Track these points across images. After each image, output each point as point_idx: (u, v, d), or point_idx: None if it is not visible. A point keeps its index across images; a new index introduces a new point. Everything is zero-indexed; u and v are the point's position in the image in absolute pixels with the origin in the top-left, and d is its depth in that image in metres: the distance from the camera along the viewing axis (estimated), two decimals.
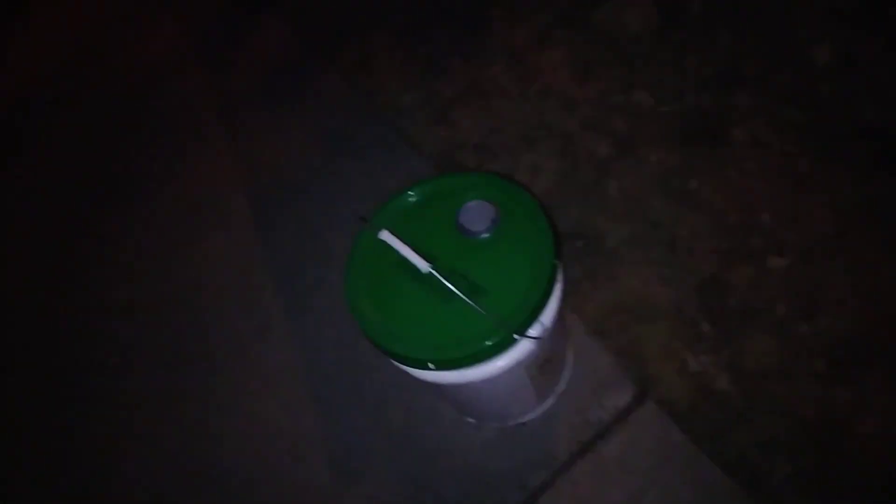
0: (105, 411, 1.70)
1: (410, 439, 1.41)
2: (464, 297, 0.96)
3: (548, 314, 1.06)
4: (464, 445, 1.36)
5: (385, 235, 1.01)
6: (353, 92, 2.05)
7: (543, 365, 1.19)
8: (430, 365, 0.99)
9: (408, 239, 1.05)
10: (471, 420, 1.38)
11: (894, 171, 1.43)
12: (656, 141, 1.65)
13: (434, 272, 0.98)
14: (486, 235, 1.06)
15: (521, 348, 1.04)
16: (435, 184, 1.15)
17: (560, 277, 1.09)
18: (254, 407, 1.57)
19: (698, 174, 1.58)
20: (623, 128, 1.71)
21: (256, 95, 2.20)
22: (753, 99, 1.63)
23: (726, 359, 1.35)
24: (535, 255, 1.03)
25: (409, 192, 1.13)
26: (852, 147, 1.49)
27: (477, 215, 1.07)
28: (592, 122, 1.74)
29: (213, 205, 1.98)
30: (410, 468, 1.38)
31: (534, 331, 1.02)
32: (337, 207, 1.82)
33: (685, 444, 1.27)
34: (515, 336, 0.99)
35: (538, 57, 1.91)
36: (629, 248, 1.53)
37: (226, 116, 2.19)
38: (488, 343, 0.97)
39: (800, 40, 1.64)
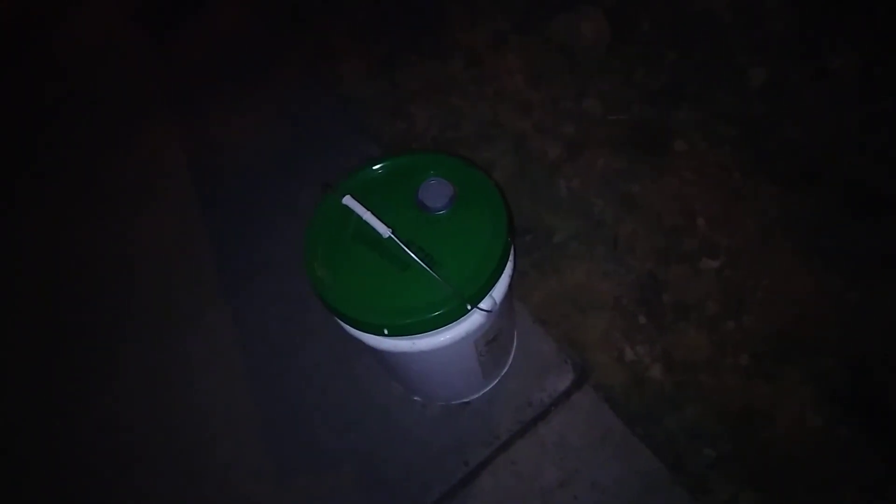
0: (36, 381, 1.64)
1: (356, 416, 1.42)
2: (421, 263, 1.00)
3: (499, 289, 1.11)
4: (409, 423, 1.39)
5: (348, 200, 1.03)
6: (312, 79, 2.06)
7: (491, 343, 1.23)
8: (385, 331, 1.02)
9: (369, 209, 1.09)
10: (417, 398, 1.41)
11: (813, 186, 1.56)
12: (604, 146, 1.74)
13: (394, 237, 1.01)
14: (443, 212, 1.10)
15: (472, 320, 1.08)
16: (398, 161, 1.19)
17: (512, 256, 1.14)
18: (194, 382, 1.55)
19: (641, 179, 1.67)
20: (573, 132, 1.79)
21: (210, 75, 2.18)
22: (694, 113, 1.74)
23: (660, 350, 1.43)
24: (489, 232, 1.07)
25: (374, 166, 1.16)
26: (779, 162, 1.62)
27: (436, 192, 1.11)
28: (544, 125, 1.82)
29: (159, 182, 1.95)
30: (355, 444, 1.39)
31: (485, 304, 1.06)
32: (288, 191, 1.82)
33: (619, 428, 1.33)
34: (468, 306, 1.03)
35: (495, 60, 1.98)
36: (574, 243, 1.60)
37: (176, 96, 2.16)
38: (442, 311, 1.00)
39: (739, 63, 1.77)
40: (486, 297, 1.07)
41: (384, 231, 1.01)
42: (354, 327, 1.07)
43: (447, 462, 1.33)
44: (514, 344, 1.45)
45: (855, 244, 1.48)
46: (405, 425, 1.39)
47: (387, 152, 1.83)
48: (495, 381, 1.41)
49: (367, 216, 1.02)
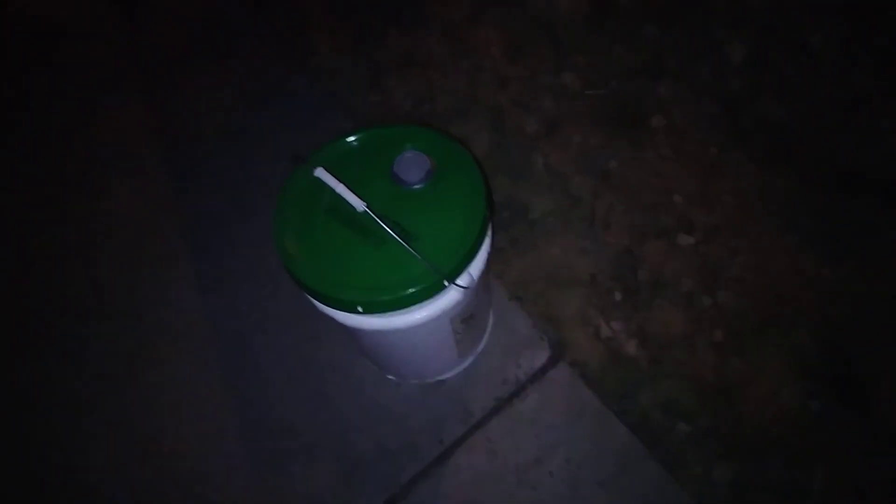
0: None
1: (329, 396, 1.40)
2: (397, 238, 0.97)
3: (476, 266, 1.08)
4: (383, 401, 1.37)
5: (320, 173, 1.00)
6: (285, 51, 2.00)
7: (467, 320, 1.22)
8: (359, 308, 0.99)
9: (342, 182, 1.05)
10: (391, 377, 1.39)
11: (791, 164, 1.56)
12: (582, 121, 1.72)
13: (369, 211, 0.98)
14: (419, 186, 1.07)
15: (449, 297, 1.06)
16: (372, 133, 1.15)
17: (489, 233, 1.11)
18: (161, 363, 1.51)
19: (618, 155, 1.66)
20: (551, 107, 1.77)
21: (180, 48, 2.10)
22: (672, 89, 1.73)
23: (635, 326, 1.43)
24: (467, 207, 1.05)
25: (348, 138, 1.13)
26: (757, 139, 1.62)
27: (412, 166, 1.08)
28: (522, 99, 1.79)
29: (125, 157, 1.87)
30: (327, 425, 1.37)
31: (463, 280, 1.04)
32: (260, 166, 1.77)
33: (594, 404, 1.33)
34: (445, 283, 1.01)
35: (472, 33, 1.94)
36: (551, 219, 1.58)
37: (145, 69, 2.08)
38: (418, 288, 0.98)
39: (718, 39, 1.75)
40: (464, 274, 1.05)
41: (359, 204, 0.98)
42: (327, 305, 1.04)
43: (422, 441, 1.32)
44: (490, 321, 1.43)
45: (830, 222, 1.49)
46: (379, 404, 1.37)
47: (361, 125, 1.78)
48: (471, 359, 1.39)
49: (341, 189, 0.98)
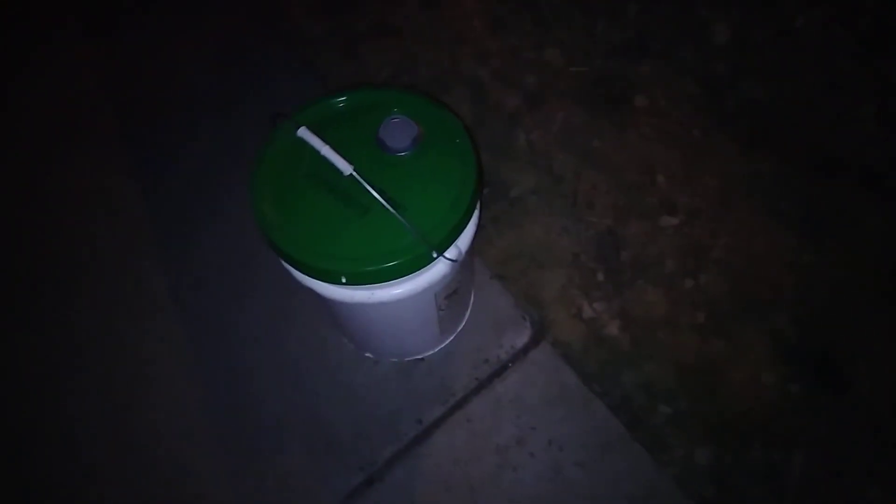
0: None
1: (304, 373, 1.34)
2: (386, 205, 0.91)
3: (464, 239, 1.04)
4: (360, 380, 1.31)
5: (304, 132, 0.93)
6: (255, 14, 1.90)
7: (451, 296, 1.17)
8: (342, 279, 0.94)
9: (327, 143, 0.99)
10: (368, 355, 1.34)
11: (773, 147, 1.56)
12: (564, 99, 1.68)
13: (356, 175, 0.92)
14: (405, 153, 1.01)
15: (436, 270, 1.01)
16: (357, 96, 1.09)
17: (478, 205, 1.07)
18: (124, 339, 1.42)
19: (601, 134, 1.62)
20: (533, 83, 1.72)
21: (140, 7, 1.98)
22: (655, 69, 1.70)
23: (618, 307, 1.40)
24: (456, 177, 1.00)
25: (332, 99, 1.06)
26: (739, 121, 1.60)
27: (398, 131, 1.02)
28: (503, 74, 1.74)
29: (79, 120, 1.76)
30: (300, 405, 1.31)
31: (450, 253, 0.99)
32: (230, 133, 1.68)
33: (576, 385, 1.30)
34: (434, 255, 0.96)
35: (452, 4, 1.88)
36: (533, 198, 1.55)
37: (97, 20, 1.94)
38: (405, 259, 0.93)
39: (701, 19, 1.73)
40: (452, 247, 1.00)
41: (345, 168, 0.92)
42: (308, 275, 0.98)
43: (400, 421, 1.27)
44: (472, 299, 1.39)
45: (811, 206, 1.48)
46: (355, 383, 1.32)
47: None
48: (451, 338, 1.35)
49: (326, 150, 0.92)
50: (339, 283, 0.95)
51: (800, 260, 1.43)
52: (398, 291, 1.00)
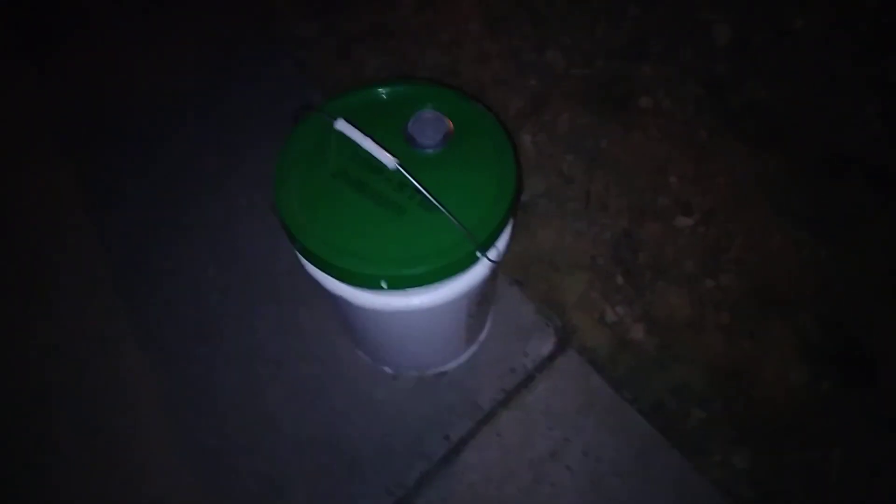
0: None
1: (319, 391, 1.25)
2: (435, 201, 0.84)
3: (503, 239, 0.98)
4: (380, 396, 1.23)
5: (342, 125, 0.86)
6: (245, 13, 1.82)
7: (481, 302, 1.11)
8: (383, 284, 0.87)
9: (352, 143, 0.92)
10: (387, 369, 1.26)
11: (780, 147, 1.55)
12: (568, 101, 1.65)
13: (402, 169, 0.85)
14: (436, 150, 0.95)
15: (475, 273, 0.95)
16: (384, 90, 1.02)
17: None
18: (119, 369, 1.31)
19: (608, 135, 1.59)
20: (535, 85, 1.68)
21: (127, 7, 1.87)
22: (658, 70, 1.69)
23: (640, 310, 1.36)
24: (494, 173, 0.94)
25: (357, 93, 1.00)
26: (745, 121, 1.60)
27: (428, 127, 0.96)
28: (504, 76, 1.70)
29: (44, 128, 1.63)
30: (321, 423, 1.22)
31: (492, 253, 0.93)
32: (217, 142, 1.59)
33: (606, 392, 1.25)
34: (478, 254, 0.90)
35: (449, 6, 1.83)
36: (544, 201, 1.50)
37: (73, 20, 1.83)
38: (451, 259, 0.87)
39: (702, 20, 1.73)
40: (492, 247, 0.94)
41: (390, 162, 0.85)
42: (344, 281, 0.90)
43: (426, 438, 1.19)
44: (492, 308, 1.33)
45: (822, 204, 1.48)
46: (375, 399, 1.23)
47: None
48: (474, 348, 1.28)
49: (368, 143, 0.85)
50: (378, 289, 0.87)
51: (816, 257, 1.42)
52: (437, 296, 0.93)
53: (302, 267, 0.97)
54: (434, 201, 0.84)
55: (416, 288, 0.90)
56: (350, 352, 1.28)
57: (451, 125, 0.97)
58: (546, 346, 1.29)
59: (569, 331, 1.32)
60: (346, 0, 1.83)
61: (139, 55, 1.75)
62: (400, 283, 0.88)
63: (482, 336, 1.29)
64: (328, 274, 0.90)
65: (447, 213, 0.84)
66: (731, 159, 1.55)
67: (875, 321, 1.35)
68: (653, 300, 1.38)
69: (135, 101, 1.67)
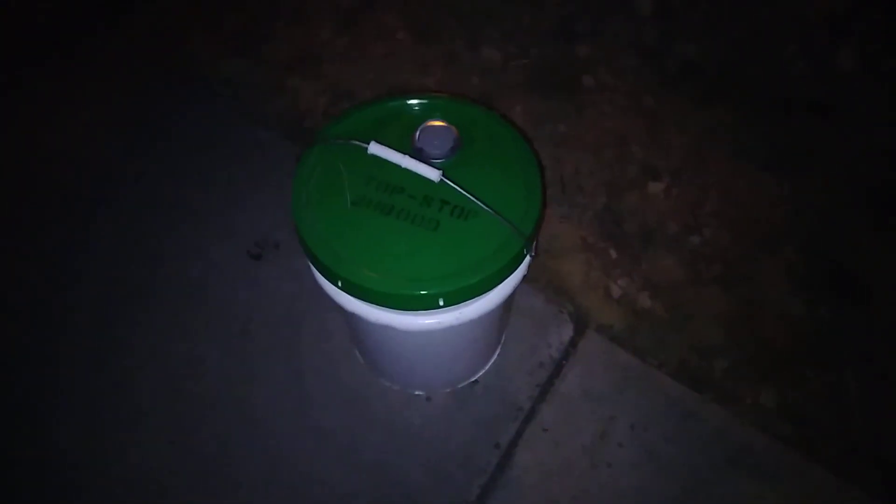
0: None
1: (357, 431, 1.19)
2: (483, 205, 0.82)
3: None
4: (419, 421, 1.19)
5: (376, 148, 0.82)
6: (163, 59, 1.71)
7: (510, 304, 1.09)
8: (440, 302, 0.84)
9: (361, 167, 0.89)
10: (419, 392, 1.22)
11: (724, 98, 1.64)
12: (516, 92, 1.67)
13: (446, 180, 0.82)
14: (447, 159, 0.93)
15: (518, 272, 0.94)
16: (380, 107, 0.99)
17: None
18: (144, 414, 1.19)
19: (564, 118, 1.62)
20: (479, 83, 1.69)
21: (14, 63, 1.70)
22: (592, 48, 1.74)
23: (640, 279, 1.40)
24: (517, 171, 0.93)
25: (353, 115, 0.96)
26: (684, 81, 1.67)
27: (437, 138, 0.93)
28: (448, 80, 1.70)
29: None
30: (366, 462, 1.16)
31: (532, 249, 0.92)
32: (165, 199, 1.48)
33: (634, 363, 1.27)
34: (525, 252, 0.88)
35: (370, 20, 1.81)
36: None
37: None
38: (504, 262, 0.85)
39: None
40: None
41: (434, 175, 0.82)
42: (397, 308, 0.86)
43: (476, 451, 1.17)
44: None
45: (774, 142, 1.57)
46: (414, 425, 1.19)
47: (278, 136, 1.57)
48: (498, 351, 1.26)
49: (407, 162, 0.81)
50: (435, 307, 0.84)
51: (782, 193, 1.51)
52: (487, 303, 0.91)
53: (334, 305, 0.92)
54: (482, 204, 0.82)
55: (473, 298, 0.88)
56: (376, 387, 1.23)
57: (458, 132, 0.95)
58: (566, 333, 1.29)
59: (582, 313, 1.33)
60: (264, 33, 1.76)
61: (55, 125, 1.61)
62: (457, 298, 0.85)
63: (503, 337, 1.28)
64: (376, 304, 0.86)
65: (495, 214, 0.83)
66: (681, 119, 1.62)
67: (851, 240, 1.45)
68: (649, 267, 1.41)
69: (61, 174, 1.53)
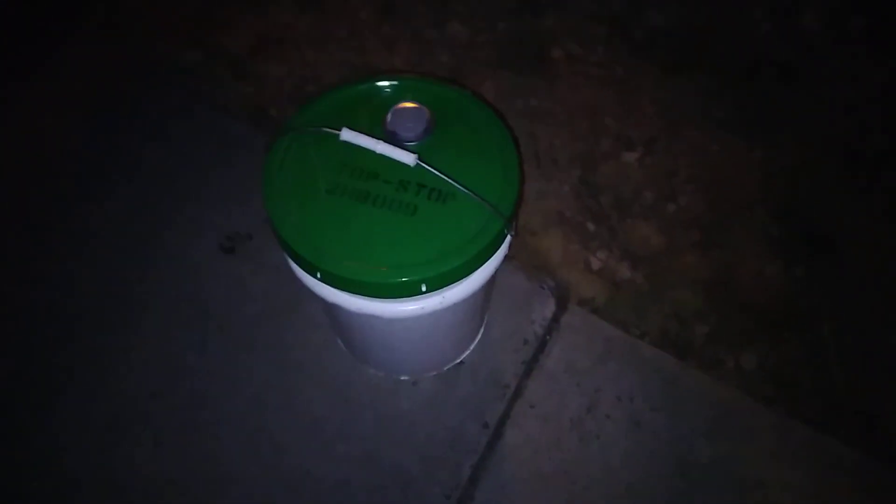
0: None
1: (342, 423, 1.18)
2: (461, 188, 0.81)
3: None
4: (407, 406, 1.19)
5: (348, 135, 0.80)
6: (117, 57, 1.65)
7: (492, 284, 1.09)
8: (423, 287, 0.82)
9: (333, 154, 0.87)
10: (404, 377, 1.21)
11: (694, 65, 1.63)
12: (485, 68, 1.64)
13: (422, 163, 0.80)
14: (421, 141, 0.91)
15: (500, 252, 0.93)
16: (347, 91, 0.96)
17: None
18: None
19: (534, 92, 1.61)
20: (448, 61, 1.66)
21: None
22: (559, 20, 1.71)
23: (619, 250, 1.40)
24: (493, 149, 0.91)
25: (322, 100, 0.93)
26: (652, 49, 1.66)
27: (409, 119, 0.91)
28: (416, 58, 1.67)
29: None
30: (356, 453, 1.15)
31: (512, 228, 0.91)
32: (131, 204, 1.44)
33: (617, 335, 1.28)
34: (506, 231, 0.87)
35: (333, 1, 1.76)
36: None
37: None
38: (486, 242, 0.83)
39: None
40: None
41: (410, 159, 0.80)
42: (378, 296, 0.85)
43: (465, 432, 1.16)
44: None
45: (744, 107, 1.58)
46: (402, 411, 1.19)
47: (247, 124, 1.53)
48: (482, 331, 1.26)
49: (382, 147, 0.79)
50: (418, 293, 0.83)
51: (753, 157, 1.52)
52: (470, 286, 0.90)
53: (313, 296, 0.91)
54: (459, 186, 0.81)
55: (457, 281, 0.87)
56: (361, 375, 1.22)
57: (430, 112, 0.93)
58: (549, 309, 1.29)
59: (563, 288, 1.33)
60: (220, 20, 1.70)
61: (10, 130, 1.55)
62: (440, 282, 0.84)
63: (486, 318, 1.27)
64: (358, 294, 0.85)
65: (474, 195, 0.81)
66: (651, 87, 1.61)
67: (822, 201, 1.47)
68: (627, 237, 1.42)
69: (14, 174, 1.48)
